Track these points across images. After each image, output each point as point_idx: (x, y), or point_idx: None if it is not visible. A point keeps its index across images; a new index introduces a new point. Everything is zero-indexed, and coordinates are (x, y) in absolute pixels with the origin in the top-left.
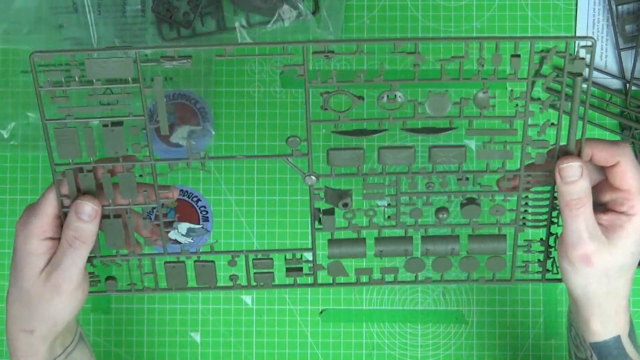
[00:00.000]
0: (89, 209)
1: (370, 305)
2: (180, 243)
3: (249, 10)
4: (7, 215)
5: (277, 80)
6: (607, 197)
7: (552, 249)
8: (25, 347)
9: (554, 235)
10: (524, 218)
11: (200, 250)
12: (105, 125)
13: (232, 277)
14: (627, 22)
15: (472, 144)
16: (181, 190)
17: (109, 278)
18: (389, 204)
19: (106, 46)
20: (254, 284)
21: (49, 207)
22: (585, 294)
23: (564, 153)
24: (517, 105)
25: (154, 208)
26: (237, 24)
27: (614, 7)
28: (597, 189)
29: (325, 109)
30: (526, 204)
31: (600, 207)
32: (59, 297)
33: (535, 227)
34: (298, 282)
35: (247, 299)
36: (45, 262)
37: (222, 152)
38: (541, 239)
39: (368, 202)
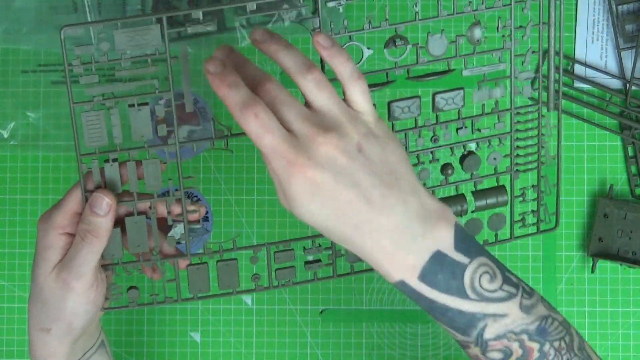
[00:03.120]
0: (103, 202)
1: (370, 305)
2: (180, 243)
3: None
4: (7, 215)
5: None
6: None
7: (543, 194)
8: (43, 347)
9: (544, 178)
10: (517, 163)
11: (223, 248)
12: (131, 105)
13: (254, 278)
14: (627, 22)
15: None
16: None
17: (131, 288)
18: None
19: (130, 16)
20: (276, 283)
21: (73, 202)
22: None
23: None
24: (503, 35)
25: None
26: (237, 24)
27: (614, 7)
28: None
29: None
30: (517, 147)
31: None
32: (70, 295)
33: (528, 170)
34: (318, 276)
35: (247, 299)
36: (59, 257)
37: (222, 151)
38: (533, 185)
39: None
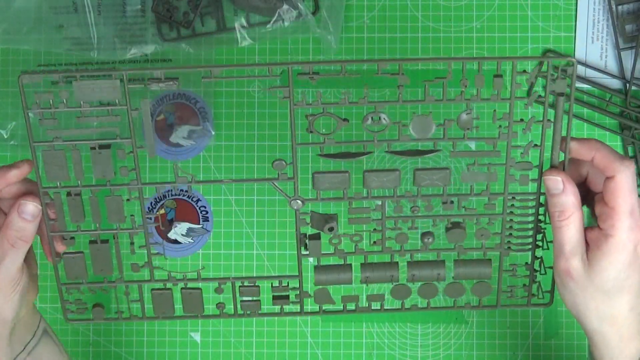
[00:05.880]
0: (32, 208)
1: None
2: (180, 243)
3: (249, 10)
4: None
5: (277, 81)
6: (598, 209)
7: (537, 273)
8: None
9: (539, 259)
10: (509, 242)
11: (187, 277)
12: (92, 148)
13: (219, 306)
14: (627, 22)
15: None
16: (181, 190)
17: (96, 305)
18: (374, 229)
19: (92, 69)
20: (241, 312)
21: (17, 262)
22: (578, 315)
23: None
24: (500, 126)
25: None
26: (237, 24)
27: (614, 7)
28: (596, 199)
29: (311, 131)
30: (511, 227)
31: (594, 220)
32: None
33: (521, 251)
34: (285, 310)
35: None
36: None
37: (222, 151)
38: (526, 263)
39: (354, 227)
